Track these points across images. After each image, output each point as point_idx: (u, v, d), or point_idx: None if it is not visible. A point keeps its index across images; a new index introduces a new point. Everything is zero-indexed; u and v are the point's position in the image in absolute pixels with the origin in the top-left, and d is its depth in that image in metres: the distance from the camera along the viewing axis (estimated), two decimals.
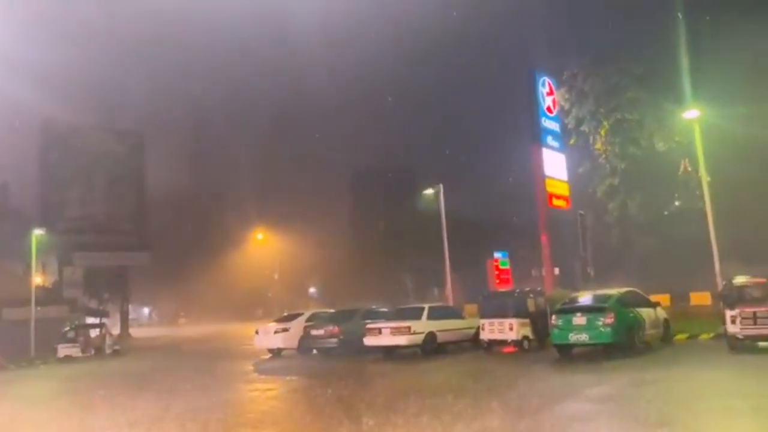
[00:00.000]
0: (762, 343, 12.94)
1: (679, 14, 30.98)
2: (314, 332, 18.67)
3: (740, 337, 12.88)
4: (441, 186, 29.03)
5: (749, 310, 12.75)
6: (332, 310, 21.69)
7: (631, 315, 14.05)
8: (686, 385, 9.64)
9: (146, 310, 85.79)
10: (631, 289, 15.73)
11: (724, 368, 11.43)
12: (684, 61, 28.59)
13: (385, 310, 20.06)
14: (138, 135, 47.50)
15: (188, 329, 48.50)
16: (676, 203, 37.92)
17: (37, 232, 27.37)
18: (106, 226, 41.86)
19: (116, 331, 34.95)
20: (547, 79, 30.26)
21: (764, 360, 12.07)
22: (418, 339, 16.28)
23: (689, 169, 32.49)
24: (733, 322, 12.88)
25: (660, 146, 33.16)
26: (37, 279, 38.08)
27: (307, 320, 19.90)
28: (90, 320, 30.66)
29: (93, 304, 44.71)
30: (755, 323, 12.65)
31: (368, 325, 17.11)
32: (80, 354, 23.01)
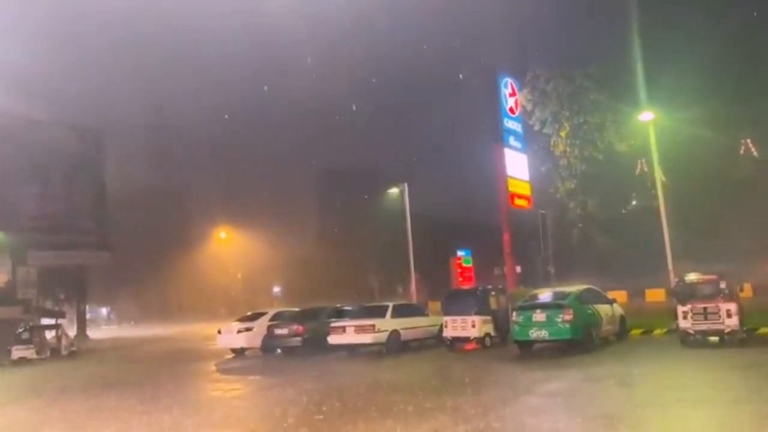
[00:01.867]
0: (712, 338, 13.47)
1: (635, 20, 31.89)
2: (278, 331, 18.56)
3: (691, 332, 13.38)
4: (405, 185, 29.27)
5: (700, 305, 13.25)
6: (296, 309, 21.60)
7: (589, 312, 14.43)
8: (638, 380, 9.97)
9: (104, 311, 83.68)
10: (589, 286, 16.14)
11: (675, 362, 11.86)
12: (640, 66, 29.48)
13: (350, 308, 20.09)
14: (97, 132, 46.17)
15: (149, 330, 47.54)
16: (633, 203, 39.12)
17: None
18: (63, 225, 40.52)
19: (73, 332, 34.02)
20: (509, 80, 30.73)
21: (714, 354, 12.55)
22: (382, 337, 16.38)
23: (645, 169, 33.52)
24: (685, 317, 13.38)
25: (622, 147, 34.11)
26: None
27: (271, 319, 19.74)
28: (45, 321, 29.74)
29: (48, 304, 43.47)
30: (706, 318, 13.17)
31: (332, 324, 17.13)
32: (35, 356, 22.31)
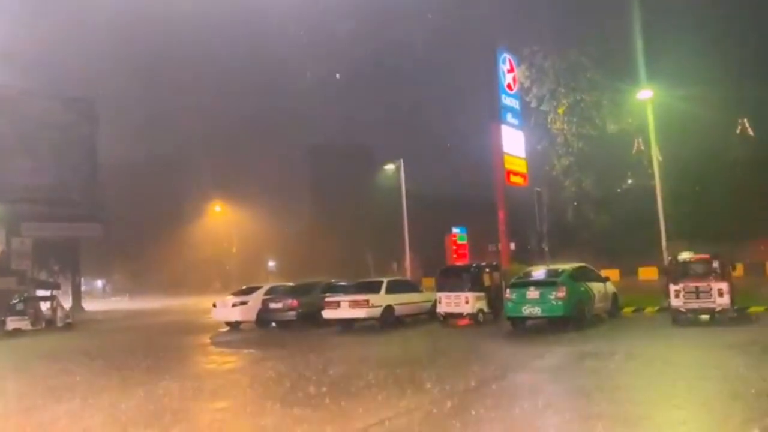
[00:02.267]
0: (703, 317, 13.61)
1: None
2: (273, 305, 18.68)
3: (683, 310, 13.51)
4: (401, 161, 29.17)
5: (692, 284, 13.36)
6: (291, 284, 21.69)
7: (582, 289, 14.53)
8: (629, 357, 10.07)
9: (100, 283, 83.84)
10: (582, 264, 16.23)
11: (666, 340, 11.97)
12: (639, 44, 29.22)
13: (345, 283, 20.19)
14: (90, 102, 45.75)
15: (144, 302, 47.70)
16: (629, 181, 39.11)
17: None
18: (56, 196, 40.36)
19: (68, 304, 34.10)
20: (508, 56, 30.28)
21: (704, 332, 12.68)
22: (376, 312, 16.48)
23: (642, 148, 33.43)
24: (677, 296, 13.49)
25: (613, 128, 33.97)
26: None
27: (266, 293, 19.86)
28: (40, 293, 29.75)
29: (43, 276, 43.50)
30: (697, 297, 13.29)
31: (327, 299, 17.23)
32: (30, 327, 22.37)
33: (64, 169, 41.65)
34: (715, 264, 13.41)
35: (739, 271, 17.97)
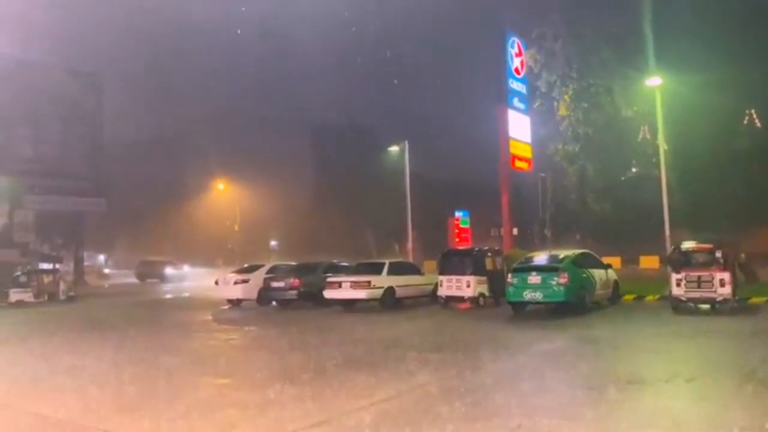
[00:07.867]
0: (703, 306, 13.63)
1: None
2: (274, 284, 18.75)
3: (684, 299, 13.52)
4: (406, 143, 29.08)
5: (694, 274, 13.35)
6: (293, 263, 21.77)
7: (584, 276, 14.54)
8: (627, 342, 10.11)
9: (102, 258, 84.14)
10: (585, 250, 16.26)
11: (664, 327, 11.97)
12: (648, 29, 28.84)
13: (346, 264, 20.26)
14: (95, 75, 45.49)
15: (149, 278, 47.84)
16: (633, 170, 38.94)
17: None
18: (59, 170, 40.34)
19: (71, 277, 34.27)
20: (516, 40, 30.06)
21: (703, 321, 12.72)
22: (378, 293, 16.55)
23: (648, 136, 33.21)
24: (678, 285, 13.49)
25: (627, 112, 33.53)
26: None
27: (268, 272, 19.93)
28: (43, 266, 29.91)
29: (46, 249, 43.68)
30: (699, 286, 13.28)
31: (329, 279, 17.30)
32: (33, 299, 22.52)
33: (68, 142, 41.59)
34: (718, 254, 13.38)
35: (741, 260, 17.94)
